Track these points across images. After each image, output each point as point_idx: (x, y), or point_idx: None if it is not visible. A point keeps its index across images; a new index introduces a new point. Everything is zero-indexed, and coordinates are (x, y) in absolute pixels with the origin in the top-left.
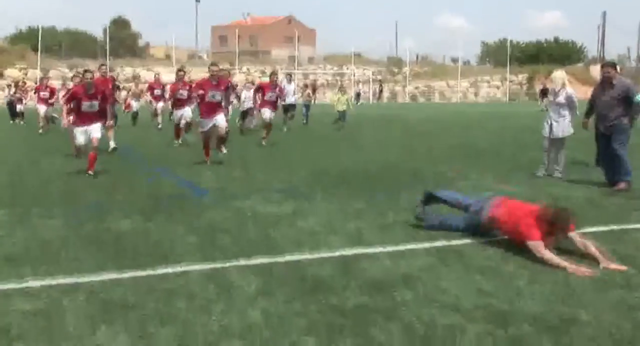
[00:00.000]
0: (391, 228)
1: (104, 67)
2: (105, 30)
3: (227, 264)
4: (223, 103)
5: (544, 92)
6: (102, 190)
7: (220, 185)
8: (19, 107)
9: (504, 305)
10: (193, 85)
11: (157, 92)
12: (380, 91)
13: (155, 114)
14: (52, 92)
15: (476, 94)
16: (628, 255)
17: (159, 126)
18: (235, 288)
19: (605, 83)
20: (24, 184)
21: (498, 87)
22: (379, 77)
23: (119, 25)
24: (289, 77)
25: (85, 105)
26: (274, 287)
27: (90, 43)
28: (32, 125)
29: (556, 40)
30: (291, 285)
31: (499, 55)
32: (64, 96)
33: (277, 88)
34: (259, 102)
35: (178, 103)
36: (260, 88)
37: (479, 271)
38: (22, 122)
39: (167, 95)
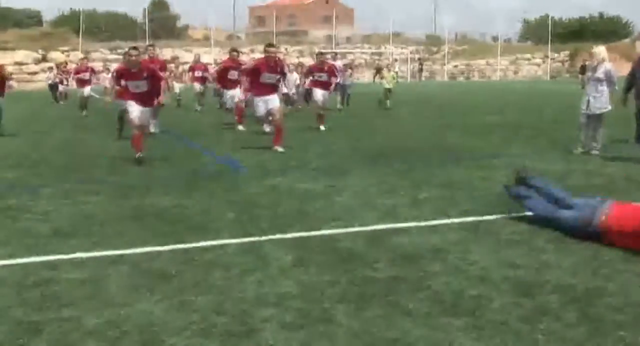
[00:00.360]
0: (424, 203)
1: (151, 48)
2: (144, 12)
3: (263, 238)
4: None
5: (584, 69)
6: (145, 168)
7: (260, 163)
8: (61, 88)
9: (531, 276)
10: (246, 66)
11: (198, 73)
12: (420, 70)
13: (197, 95)
14: (92, 72)
15: (516, 72)
16: None
17: (198, 108)
18: (271, 260)
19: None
20: (69, 162)
21: (539, 65)
22: (417, 56)
23: (158, 6)
24: (334, 56)
25: (131, 84)
26: (308, 259)
27: (130, 25)
28: (75, 106)
29: (601, 15)
30: (324, 258)
31: (540, 32)
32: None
33: (327, 68)
34: (307, 83)
35: (229, 83)
36: (310, 70)
37: (507, 244)
38: (62, 103)
39: (210, 76)
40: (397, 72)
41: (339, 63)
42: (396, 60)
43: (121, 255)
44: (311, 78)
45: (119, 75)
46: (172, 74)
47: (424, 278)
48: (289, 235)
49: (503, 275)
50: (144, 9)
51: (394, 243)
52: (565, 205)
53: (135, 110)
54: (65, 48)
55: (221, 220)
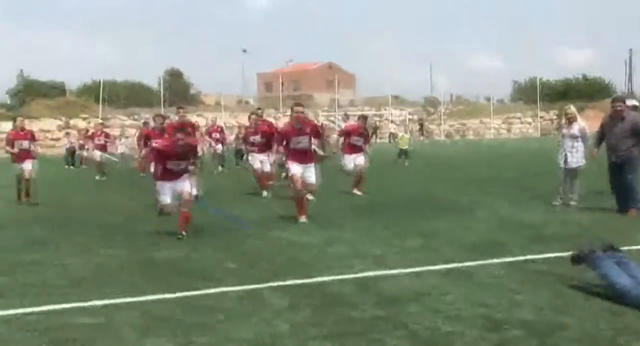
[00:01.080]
0: (410, 252)
1: (181, 110)
2: (160, 81)
3: (261, 285)
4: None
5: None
6: (155, 224)
7: (262, 219)
8: (80, 153)
9: (500, 314)
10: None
11: (216, 135)
12: (420, 129)
13: (216, 157)
14: (107, 137)
15: (509, 130)
16: None
17: (214, 172)
18: (267, 305)
19: (616, 117)
20: (88, 220)
21: (530, 123)
22: (416, 117)
23: (173, 76)
24: (346, 117)
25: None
26: (301, 303)
27: (146, 93)
28: (92, 170)
29: (584, 77)
30: (316, 301)
31: (529, 93)
32: (138, 139)
33: (365, 133)
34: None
35: (251, 147)
36: (347, 133)
37: (481, 287)
38: (84, 166)
39: (224, 138)
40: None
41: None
42: (392, 121)
43: (132, 302)
44: (348, 141)
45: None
46: None
47: (403, 318)
48: (284, 283)
49: (475, 313)
50: (159, 78)
51: (379, 288)
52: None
53: (166, 195)
54: (86, 115)
55: (224, 269)
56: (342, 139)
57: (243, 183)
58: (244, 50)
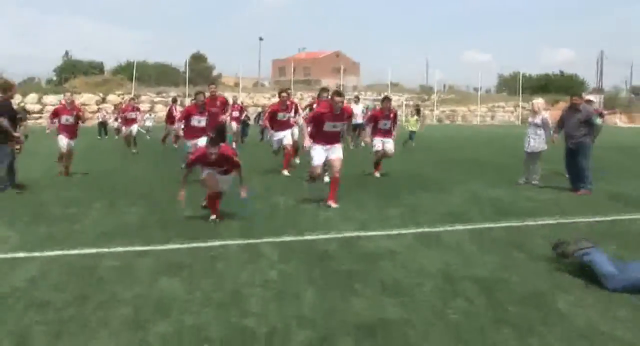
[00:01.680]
0: (390, 218)
1: (212, 86)
2: (186, 63)
3: (258, 240)
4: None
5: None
6: (173, 189)
7: (266, 186)
8: (116, 124)
9: (457, 271)
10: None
11: (235, 113)
12: (417, 113)
13: (234, 135)
14: (138, 111)
15: (492, 118)
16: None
17: (234, 146)
18: (262, 256)
19: (573, 108)
20: (114, 184)
21: (512, 112)
22: (411, 102)
23: (197, 59)
24: (357, 99)
25: (195, 120)
26: (291, 256)
27: (174, 73)
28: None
29: (561, 73)
30: (304, 256)
31: (513, 85)
32: (180, 117)
33: (392, 115)
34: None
35: (277, 125)
36: (373, 117)
37: (446, 248)
38: (116, 137)
39: (243, 117)
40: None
41: (360, 106)
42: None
43: (148, 250)
44: (376, 126)
45: (188, 114)
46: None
47: (377, 271)
48: (279, 239)
49: (436, 269)
50: (186, 60)
51: (359, 246)
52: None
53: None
54: (121, 92)
55: (228, 227)
56: (370, 126)
57: (260, 158)
58: (261, 38)
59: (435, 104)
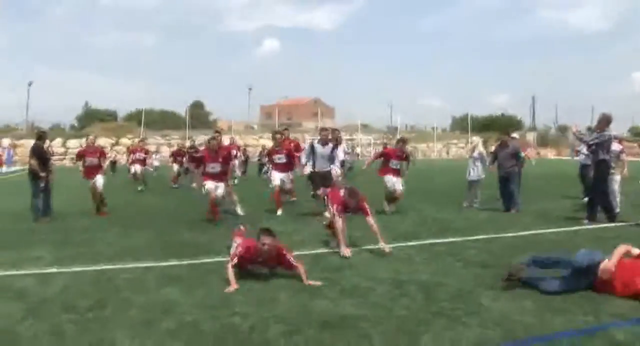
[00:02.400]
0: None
1: (217, 134)
2: (186, 110)
3: None
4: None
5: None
6: (174, 217)
7: (253, 210)
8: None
9: (404, 277)
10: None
11: (234, 152)
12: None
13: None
14: (146, 153)
15: (447, 152)
16: (502, 255)
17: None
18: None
19: (503, 144)
20: (127, 214)
21: (463, 147)
22: (379, 141)
23: (196, 106)
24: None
25: (209, 166)
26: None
27: (176, 118)
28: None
29: (503, 114)
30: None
31: (463, 124)
32: (193, 161)
33: (405, 156)
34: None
35: (274, 166)
36: (386, 154)
37: (397, 260)
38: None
39: (239, 156)
40: None
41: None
42: (359, 144)
43: (152, 266)
44: (387, 164)
45: (204, 159)
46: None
47: (339, 279)
48: None
49: (387, 276)
50: (186, 108)
51: (326, 261)
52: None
53: (210, 183)
54: (131, 135)
55: (220, 246)
56: (379, 161)
57: (256, 194)
58: (250, 89)
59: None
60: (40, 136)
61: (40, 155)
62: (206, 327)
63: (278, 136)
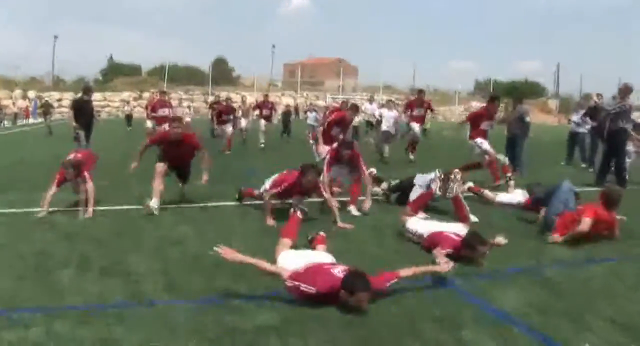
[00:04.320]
0: None
1: (244, 97)
2: (210, 65)
3: (247, 203)
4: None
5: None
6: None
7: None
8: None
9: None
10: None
11: (266, 112)
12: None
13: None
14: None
15: None
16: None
17: (262, 145)
18: (249, 214)
19: (512, 109)
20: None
21: None
22: (401, 102)
23: (220, 62)
24: (371, 99)
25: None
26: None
27: (199, 74)
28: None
29: (526, 80)
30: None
31: (486, 89)
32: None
33: (425, 104)
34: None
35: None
36: (409, 105)
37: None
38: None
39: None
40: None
41: (373, 105)
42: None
43: (170, 208)
44: (411, 112)
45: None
46: (240, 110)
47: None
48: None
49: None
50: (210, 63)
51: None
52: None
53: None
54: (154, 90)
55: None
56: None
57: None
58: (273, 46)
59: None
60: (85, 90)
61: (80, 109)
62: (205, 260)
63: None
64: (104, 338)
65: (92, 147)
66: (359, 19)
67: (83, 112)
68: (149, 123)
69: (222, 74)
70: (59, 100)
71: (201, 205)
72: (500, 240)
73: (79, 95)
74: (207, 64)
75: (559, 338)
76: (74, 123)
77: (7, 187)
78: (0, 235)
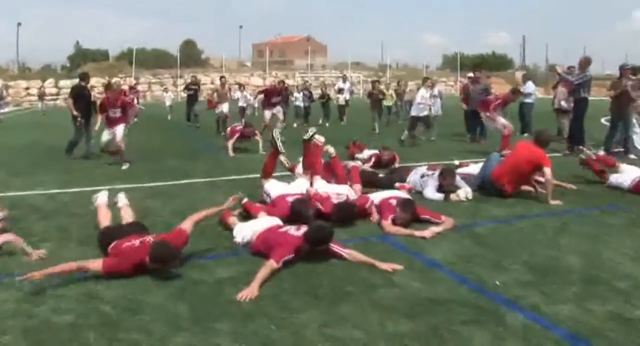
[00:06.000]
0: None
1: (223, 79)
2: (178, 48)
3: (216, 179)
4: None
5: (465, 89)
6: (167, 142)
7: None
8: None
9: None
10: None
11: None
12: (373, 87)
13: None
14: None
15: None
16: None
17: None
18: (217, 187)
19: (475, 82)
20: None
21: (452, 86)
22: (369, 79)
23: (188, 44)
24: (344, 78)
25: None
26: (235, 188)
27: (167, 57)
28: None
29: (493, 53)
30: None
31: (454, 63)
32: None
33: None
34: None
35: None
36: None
37: None
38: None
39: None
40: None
41: (347, 84)
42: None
43: (145, 186)
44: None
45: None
46: (216, 93)
47: None
48: (229, 177)
49: None
50: (179, 46)
51: None
52: None
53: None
54: (123, 75)
55: (197, 170)
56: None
57: None
58: (240, 27)
59: (388, 79)
60: (82, 77)
61: (78, 96)
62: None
63: None
64: (86, 293)
65: (92, 134)
66: None
67: (81, 98)
68: None
69: (191, 56)
70: (27, 88)
71: (169, 183)
72: None
73: (77, 81)
74: (175, 46)
75: (475, 278)
76: (74, 112)
77: None
78: None
